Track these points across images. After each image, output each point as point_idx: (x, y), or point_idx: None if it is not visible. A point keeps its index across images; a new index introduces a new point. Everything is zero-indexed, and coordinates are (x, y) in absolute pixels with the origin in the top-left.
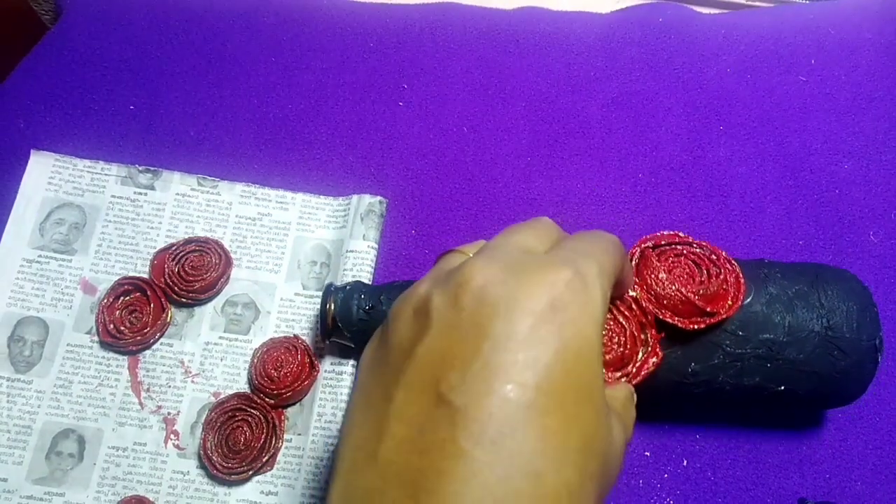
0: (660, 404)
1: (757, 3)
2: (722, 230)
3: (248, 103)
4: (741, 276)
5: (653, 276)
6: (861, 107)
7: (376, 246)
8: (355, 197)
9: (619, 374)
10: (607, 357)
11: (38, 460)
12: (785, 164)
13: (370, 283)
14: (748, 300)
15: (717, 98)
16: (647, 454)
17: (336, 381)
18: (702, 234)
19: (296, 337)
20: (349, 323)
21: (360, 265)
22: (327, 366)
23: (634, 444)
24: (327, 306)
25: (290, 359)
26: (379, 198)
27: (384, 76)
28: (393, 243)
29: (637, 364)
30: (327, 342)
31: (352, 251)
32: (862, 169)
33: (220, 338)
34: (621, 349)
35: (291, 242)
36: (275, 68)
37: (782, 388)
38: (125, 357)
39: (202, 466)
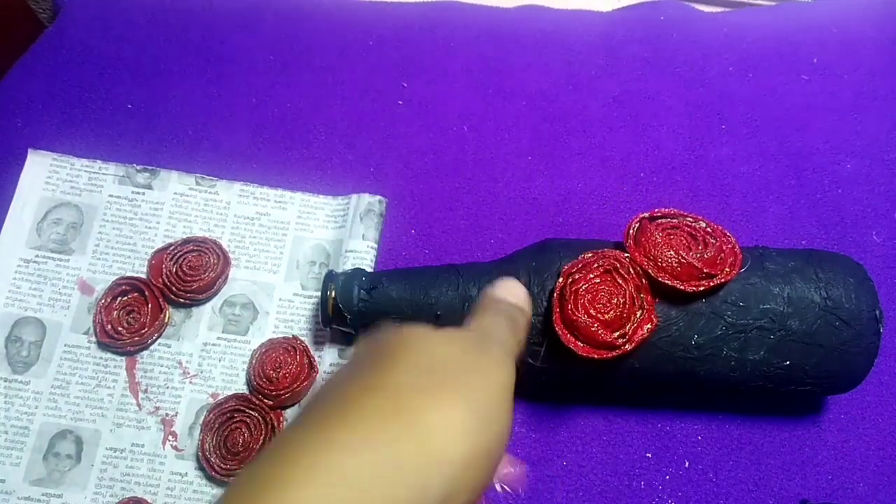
0: (665, 392)
1: (759, 2)
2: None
3: (247, 102)
4: (737, 246)
5: (651, 241)
6: (863, 105)
7: (376, 246)
8: (354, 196)
9: (616, 333)
10: (605, 317)
11: (35, 461)
12: (787, 163)
13: None
14: (745, 270)
15: (718, 96)
16: (649, 455)
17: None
18: None
19: (295, 338)
20: (350, 305)
21: (359, 265)
22: (326, 366)
23: (635, 446)
24: (328, 292)
25: (289, 360)
26: (378, 197)
27: (384, 75)
28: (392, 243)
29: (633, 325)
30: (328, 329)
31: (351, 251)
32: (864, 168)
33: (219, 338)
34: (619, 309)
35: (290, 242)
36: (273, 67)
37: (788, 362)
38: (123, 358)
39: (200, 468)
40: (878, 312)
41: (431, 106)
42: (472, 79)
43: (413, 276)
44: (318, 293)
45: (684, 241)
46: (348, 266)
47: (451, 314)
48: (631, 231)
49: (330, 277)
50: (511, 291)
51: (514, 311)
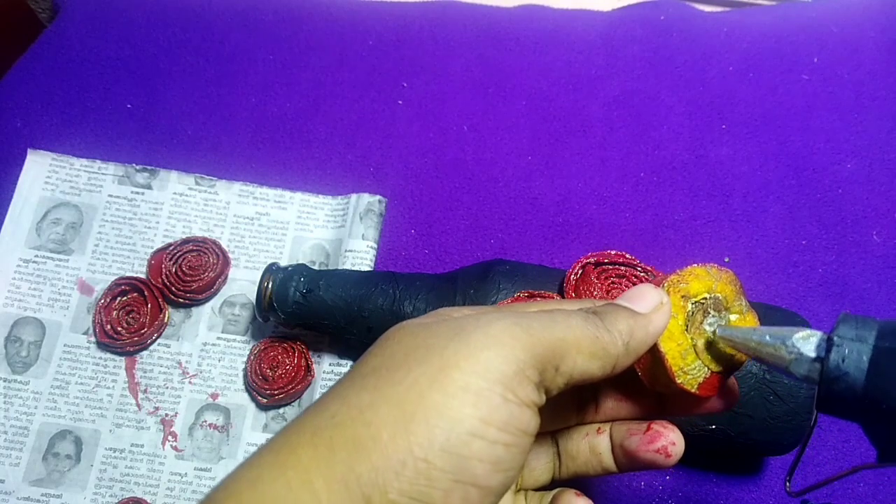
0: None
1: (759, 1)
2: (724, 230)
3: (247, 102)
4: None
5: (588, 291)
6: (864, 105)
7: (375, 245)
8: (354, 196)
9: None
10: None
11: (35, 462)
12: (787, 164)
13: None
14: None
15: (718, 96)
16: None
17: (335, 382)
18: (704, 234)
19: (294, 338)
20: (284, 304)
21: (359, 265)
22: (326, 366)
23: None
24: (264, 284)
25: (287, 360)
26: (378, 197)
27: (384, 74)
28: (392, 243)
29: None
30: (264, 320)
31: (350, 251)
32: (865, 168)
33: (218, 338)
34: None
35: (290, 242)
36: (273, 66)
37: (713, 427)
38: (122, 358)
39: (201, 469)
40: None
41: (431, 106)
42: (473, 78)
43: (351, 284)
44: None
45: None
46: (348, 265)
47: (383, 329)
48: (572, 276)
49: (269, 270)
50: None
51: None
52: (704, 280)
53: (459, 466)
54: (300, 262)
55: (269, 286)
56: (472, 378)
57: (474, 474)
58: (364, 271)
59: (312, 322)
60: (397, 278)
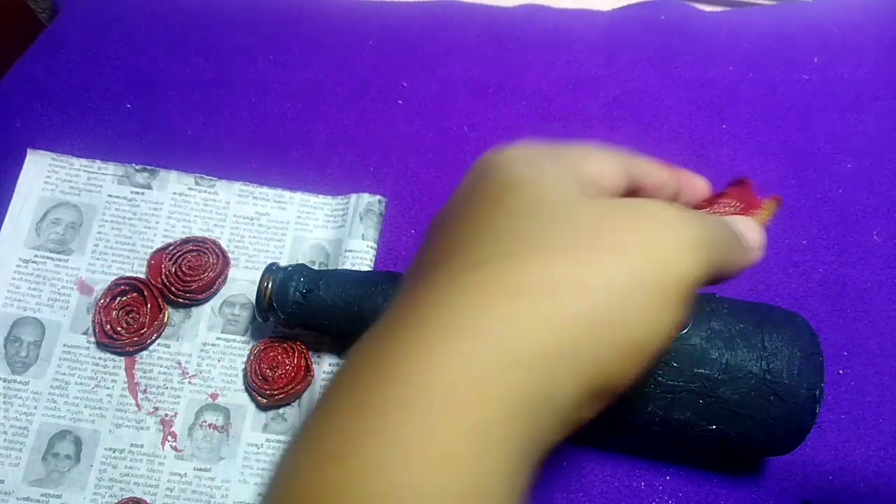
0: (591, 436)
1: (759, 1)
2: None
3: (246, 102)
4: None
5: None
6: (864, 105)
7: (375, 246)
8: (354, 196)
9: None
10: None
11: (34, 462)
12: (788, 163)
13: None
14: (685, 331)
15: (719, 96)
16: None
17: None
18: None
19: (294, 339)
20: (284, 304)
21: (358, 265)
22: (326, 366)
23: (636, 446)
24: (264, 284)
25: (287, 360)
26: (378, 197)
27: (384, 74)
28: (392, 243)
29: None
30: (263, 321)
31: (350, 251)
32: (865, 168)
33: (218, 338)
34: None
35: (290, 242)
36: (273, 66)
37: (713, 427)
38: (122, 358)
39: (200, 469)
40: (818, 392)
41: (431, 106)
42: (473, 78)
43: (351, 284)
44: None
45: None
46: (348, 265)
47: None
48: None
49: (269, 270)
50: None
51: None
52: (771, 209)
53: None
54: (300, 261)
55: (269, 286)
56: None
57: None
58: (364, 271)
59: (312, 322)
60: (397, 278)
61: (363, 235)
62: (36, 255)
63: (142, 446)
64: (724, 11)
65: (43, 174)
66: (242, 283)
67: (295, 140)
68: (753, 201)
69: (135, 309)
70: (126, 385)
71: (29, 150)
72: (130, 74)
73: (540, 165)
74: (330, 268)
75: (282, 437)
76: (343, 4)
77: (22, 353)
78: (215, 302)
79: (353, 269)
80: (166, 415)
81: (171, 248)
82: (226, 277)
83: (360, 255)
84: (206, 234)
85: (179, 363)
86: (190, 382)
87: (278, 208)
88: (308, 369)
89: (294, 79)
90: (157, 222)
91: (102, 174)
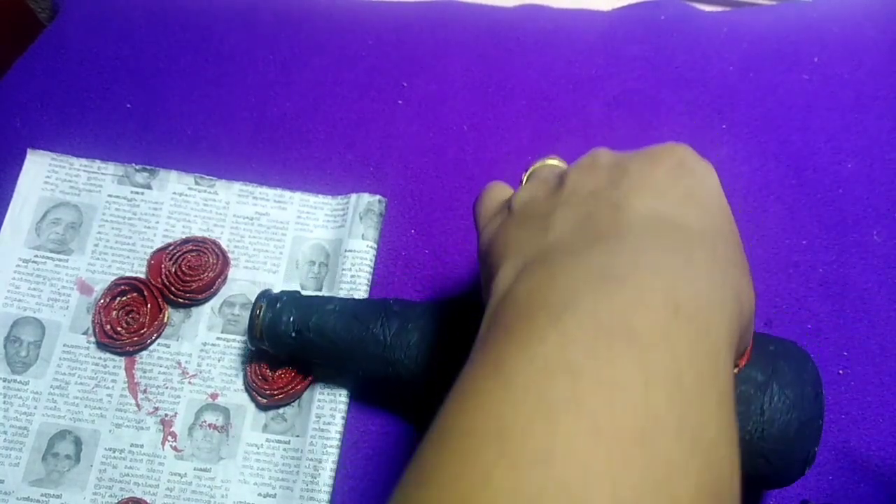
0: None
1: (759, 1)
2: None
3: (246, 101)
4: None
5: None
6: (864, 105)
7: (375, 245)
8: (354, 196)
9: None
10: None
11: (34, 462)
12: (788, 164)
13: (368, 284)
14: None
15: (719, 96)
16: None
17: (334, 382)
18: None
19: None
20: (276, 344)
21: (358, 265)
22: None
23: None
24: (256, 312)
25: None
26: (378, 197)
27: (383, 74)
28: (392, 243)
29: None
30: (255, 348)
31: (350, 251)
32: (865, 168)
33: (218, 338)
34: None
35: (290, 242)
36: (273, 66)
37: None
38: (122, 358)
39: (200, 469)
40: (809, 455)
41: (431, 106)
42: (472, 78)
43: (341, 327)
44: (318, 294)
45: None
46: (348, 265)
47: (374, 377)
48: None
49: (260, 300)
50: None
51: None
52: None
53: None
54: (299, 263)
55: (261, 318)
56: None
57: None
58: (356, 306)
59: (304, 358)
60: (389, 320)
61: (363, 235)
62: (36, 255)
63: (142, 446)
64: (724, 11)
65: (43, 174)
66: (242, 283)
67: (295, 140)
68: None
69: (135, 309)
70: (126, 385)
71: (29, 150)
72: (130, 74)
73: None
74: (330, 268)
75: (282, 437)
76: (343, 4)
77: (22, 353)
78: (215, 302)
79: (352, 275)
80: (166, 415)
81: (171, 248)
82: (226, 277)
83: (360, 255)
84: (206, 234)
85: (179, 363)
86: (190, 382)
87: (278, 208)
88: (308, 369)
89: (294, 78)
90: (157, 222)
91: (102, 174)
